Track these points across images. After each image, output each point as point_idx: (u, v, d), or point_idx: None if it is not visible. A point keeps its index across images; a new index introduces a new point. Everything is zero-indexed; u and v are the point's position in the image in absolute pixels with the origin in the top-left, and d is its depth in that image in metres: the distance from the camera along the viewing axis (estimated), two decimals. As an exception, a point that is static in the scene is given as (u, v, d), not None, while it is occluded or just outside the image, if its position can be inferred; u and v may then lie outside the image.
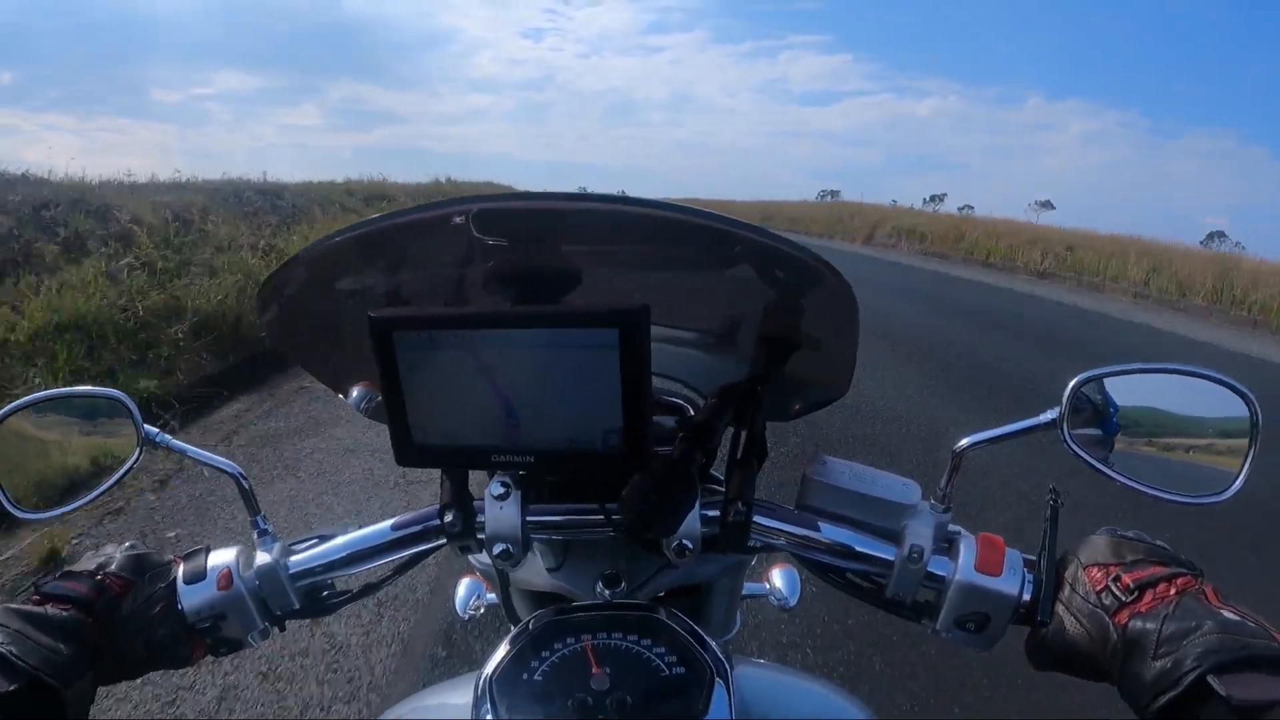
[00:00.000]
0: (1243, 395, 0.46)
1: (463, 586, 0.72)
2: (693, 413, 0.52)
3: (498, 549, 0.48)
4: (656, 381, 0.60)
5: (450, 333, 0.40)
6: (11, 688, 0.39)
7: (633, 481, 0.44)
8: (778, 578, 0.71)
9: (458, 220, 0.42)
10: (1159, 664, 0.38)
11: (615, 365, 0.39)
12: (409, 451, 0.43)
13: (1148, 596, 0.41)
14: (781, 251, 0.41)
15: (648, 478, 0.43)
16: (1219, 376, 0.46)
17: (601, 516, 0.48)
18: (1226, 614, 0.39)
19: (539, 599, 0.56)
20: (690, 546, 0.47)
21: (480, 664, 0.48)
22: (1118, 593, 0.42)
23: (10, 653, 0.40)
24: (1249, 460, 0.46)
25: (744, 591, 0.68)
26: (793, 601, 0.70)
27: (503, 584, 0.55)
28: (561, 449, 0.42)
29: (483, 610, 0.71)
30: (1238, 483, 0.46)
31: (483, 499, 0.49)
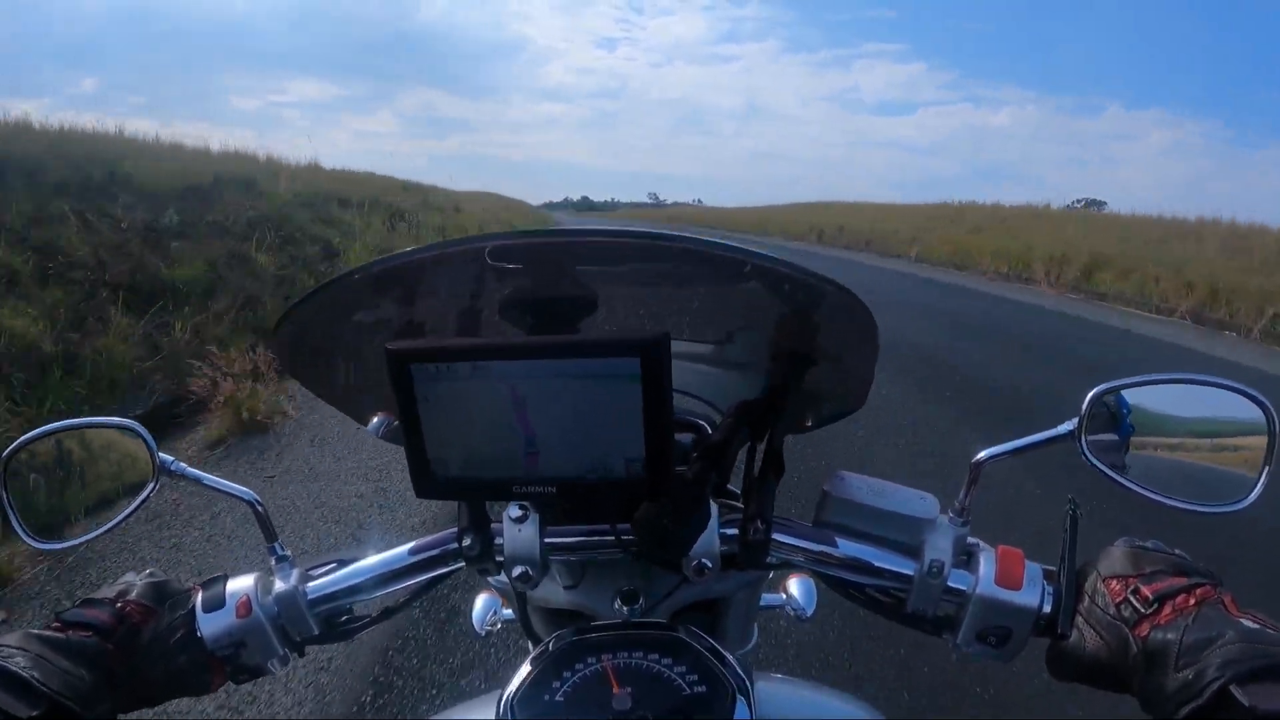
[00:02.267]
0: (1260, 403, 0.46)
1: (480, 602, 0.72)
2: (709, 430, 0.52)
3: (516, 571, 0.48)
4: (674, 399, 0.60)
5: (468, 364, 0.40)
6: (34, 713, 0.39)
7: (646, 504, 0.44)
8: (794, 588, 0.71)
9: (473, 256, 0.42)
10: (1181, 675, 0.38)
11: (637, 394, 0.39)
12: (428, 483, 0.43)
13: (1167, 608, 0.41)
14: (789, 274, 0.42)
15: (662, 503, 0.43)
16: (1236, 385, 0.46)
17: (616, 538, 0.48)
18: (1247, 623, 0.39)
19: (556, 616, 0.56)
20: (709, 565, 0.47)
21: (502, 684, 0.48)
22: (1137, 605, 0.42)
23: (33, 678, 0.40)
24: (1267, 468, 0.46)
25: (761, 603, 0.68)
26: (809, 612, 0.70)
27: (520, 603, 0.55)
28: (583, 477, 0.42)
29: (500, 626, 0.71)
30: (1256, 491, 0.46)
31: (499, 521, 0.49)
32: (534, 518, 0.48)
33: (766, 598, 0.70)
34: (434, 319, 0.51)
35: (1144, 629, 0.41)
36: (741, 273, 0.44)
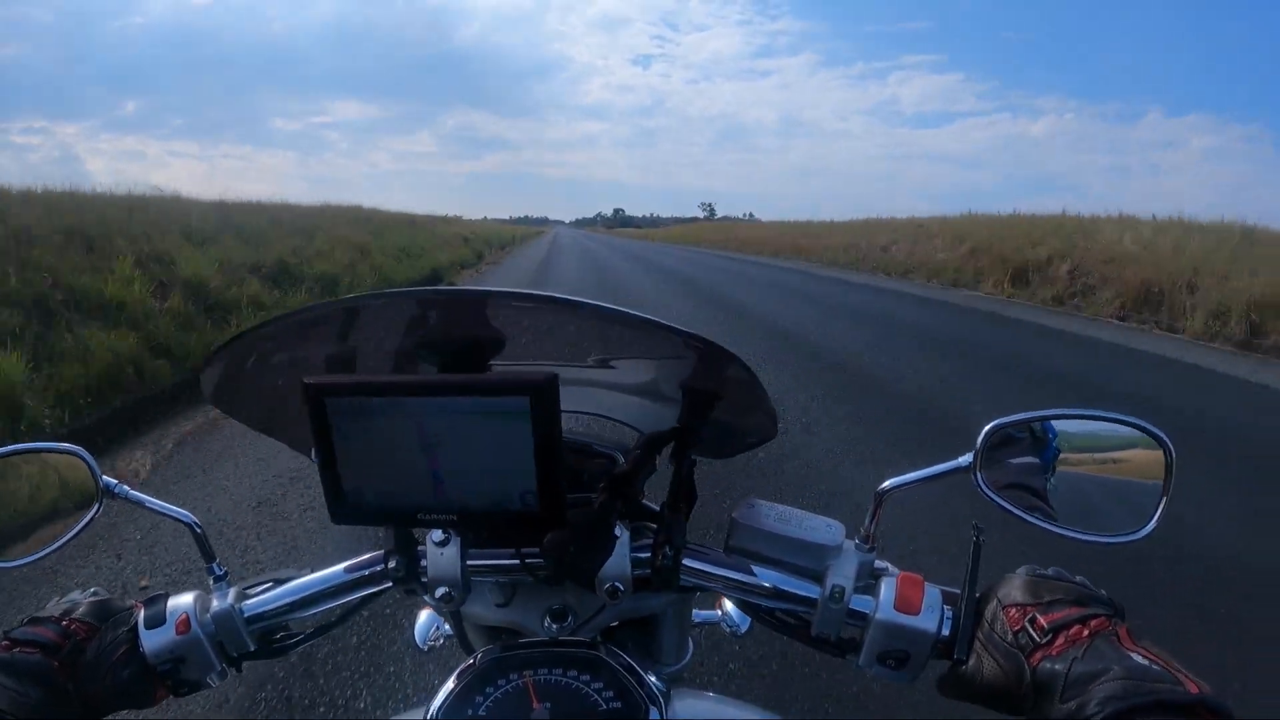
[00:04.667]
0: (1158, 439, 0.48)
1: (422, 617, 0.74)
2: (620, 459, 0.54)
3: (439, 592, 0.50)
4: (601, 425, 0.61)
5: (378, 399, 0.42)
6: None
7: (550, 535, 0.46)
8: (728, 605, 0.73)
9: (386, 304, 0.43)
10: (1065, 707, 0.39)
11: (528, 431, 0.41)
12: (342, 510, 0.45)
13: (1060, 638, 0.42)
14: (663, 332, 0.44)
15: (566, 531, 0.45)
16: (1134, 420, 0.48)
17: (530, 563, 0.50)
18: (1136, 657, 0.40)
19: (491, 633, 0.58)
20: (621, 588, 0.49)
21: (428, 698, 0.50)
22: (1033, 634, 0.43)
23: None
24: (1164, 502, 0.48)
25: (697, 619, 0.70)
26: (744, 629, 0.72)
27: (455, 620, 0.57)
28: (483, 507, 0.44)
29: (442, 641, 0.73)
30: (1152, 523, 0.48)
31: (424, 545, 0.51)
32: (455, 541, 0.50)
33: (702, 614, 0.72)
34: (356, 358, 0.53)
35: (1036, 658, 0.42)
36: (631, 325, 0.46)
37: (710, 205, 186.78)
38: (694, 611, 0.67)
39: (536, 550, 0.49)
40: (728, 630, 0.73)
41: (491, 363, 0.51)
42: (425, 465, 0.43)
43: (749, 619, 0.73)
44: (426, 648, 0.73)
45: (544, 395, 0.41)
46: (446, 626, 0.73)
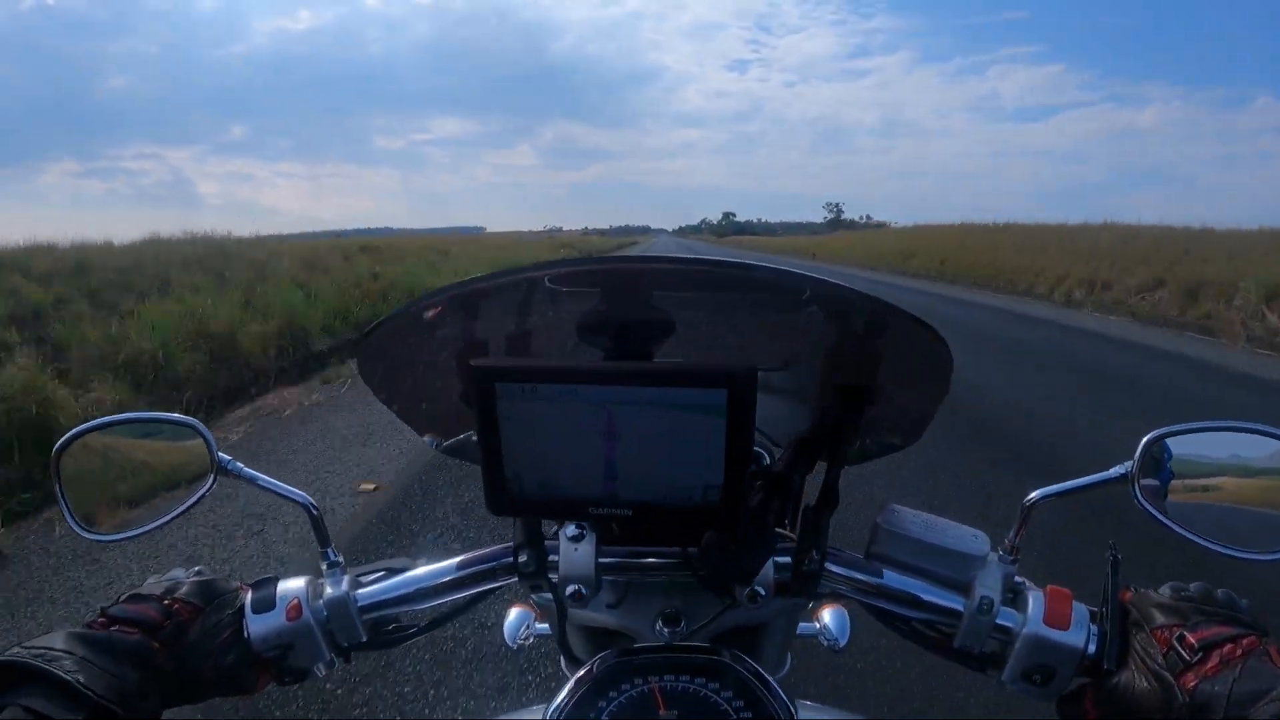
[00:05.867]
0: None
1: (513, 615, 0.72)
2: (768, 459, 0.53)
3: (570, 589, 0.48)
4: None
5: (553, 386, 0.41)
6: (77, 717, 0.39)
7: (710, 534, 0.44)
8: (828, 617, 0.71)
9: (550, 282, 0.43)
10: None
11: (721, 424, 0.40)
12: (503, 500, 0.44)
13: (1214, 658, 0.41)
14: (854, 299, 0.42)
15: (731, 529, 0.44)
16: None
17: (678, 561, 0.49)
18: None
19: (594, 634, 0.56)
20: (763, 593, 0.47)
21: (546, 699, 0.48)
22: (1183, 652, 0.42)
23: (77, 681, 0.40)
24: None
25: (796, 631, 0.68)
26: (843, 642, 0.70)
27: (561, 620, 0.56)
28: (659, 502, 0.42)
29: (532, 640, 0.70)
30: None
31: (553, 538, 0.49)
32: (590, 537, 0.48)
33: (801, 626, 0.70)
34: (512, 340, 0.52)
35: (1190, 679, 0.41)
36: (802, 299, 0.44)
37: (837, 206, 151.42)
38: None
39: (678, 550, 0.47)
40: (825, 643, 0.71)
41: (657, 349, 0.50)
42: (601, 456, 0.41)
43: (848, 632, 0.72)
44: (516, 645, 0.70)
45: (743, 388, 0.39)
46: (538, 625, 0.71)
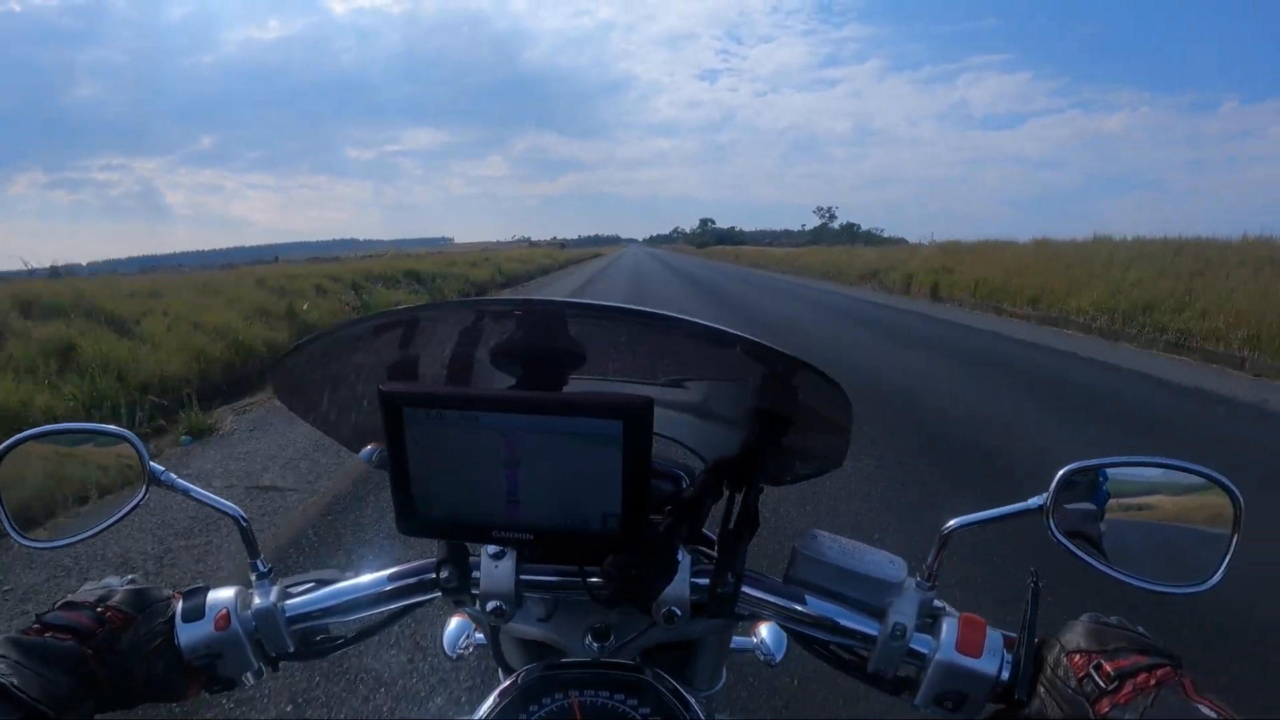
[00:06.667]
0: (1228, 490, 0.47)
1: (453, 624, 0.73)
2: (687, 481, 0.54)
3: (490, 605, 0.49)
4: (657, 444, 0.61)
5: (458, 412, 0.41)
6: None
7: (612, 556, 0.45)
8: (765, 633, 0.72)
9: (472, 316, 0.43)
10: None
11: (618, 454, 0.40)
12: (411, 521, 0.44)
13: (1128, 686, 0.41)
14: (770, 353, 0.43)
15: (629, 554, 0.44)
16: (1204, 470, 0.47)
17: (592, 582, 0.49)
18: (1204, 709, 0.39)
19: (528, 647, 0.57)
20: (679, 613, 0.48)
21: (470, 713, 0.49)
22: (1099, 680, 0.42)
23: (11, 684, 0.41)
24: (1230, 552, 0.47)
25: (731, 645, 0.69)
26: (778, 658, 0.71)
27: (493, 633, 0.56)
28: (560, 527, 0.43)
29: (471, 650, 0.71)
30: (1218, 574, 0.47)
31: (477, 555, 0.50)
32: (511, 555, 0.49)
33: (737, 640, 0.70)
34: (427, 364, 0.53)
35: (1104, 706, 0.41)
36: (726, 344, 0.45)
37: (830, 210, 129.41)
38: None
39: (594, 569, 0.48)
40: (762, 658, 0.72)
41: (571, 377, 0.50)
42: (503, 481, 0.42)
43: (784, 648, 0.72)
44: (455, 655, 0.71)
45: (639, 420, 0.40)
46: (477, 635, 0.72)
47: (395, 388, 0.42)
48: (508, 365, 0.51)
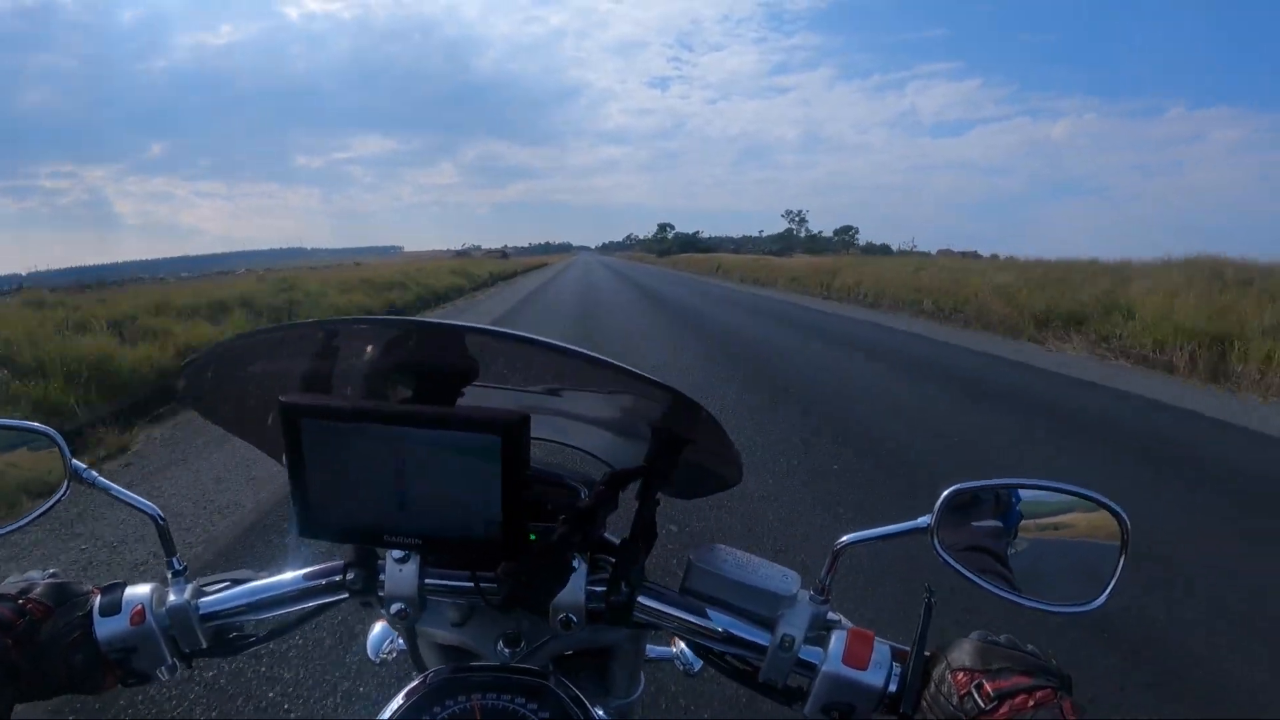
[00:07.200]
0: (1114, 512, 0.48)
1: (376, 629, 0.74)
2: (585, 493, 0.55)
3: (394, 608, 0.51)
4: (572, 456, 0.62)
5: (350, 424, 0.43)
6: None
7: (505, 563, 0.46)
8: (683, 642, 0.73)
9: (365, 329, 0.45)
10: None
11: (497, 466, 0.42)
12: (310, 524, 0.46)
13: (1005, 707, 0.42)
14: (634, 376, 0.45)
15: (521, 560, 0.46)
16: (1091, 494, 0.49)
17: (491, 586, 0.50)
18: None
19: (445, 651, 0.58)
20: (575, 619, 0.49)
21: (377, 713, 0.50)
22: (979, 699, 0.43)
23: None
24: (1117, 572, 0.48)
25: (652, 654, 0.70)
26: (696, 668, 0.72)
27: (408, 636, 0.57)
28: (446, 533, 0.45)
29: (394, 655, 0.72)
30: (1105, 594, 0.48)
31: (384, 559, 0.51)
32: (415, 559, 0.51)
33: (657, 650, 0.71)
34: (329, 375, 0.54)
35: None
36: (600, 366, 0.46)
37: (800, 215, 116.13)
38: (649, 647, 0.67)
39: (491, 575, 0.49)
40: (680, 668, 0.72)
41: (465, 389, 0.52)
42: (393, 489, 0.44)
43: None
44: (379, 660, 0.72)
45: (515, 435, 0.42)
46: (401, 641, 0.73)
47: (293, 399, 0.44)
48: (405, 379, 0.53)
